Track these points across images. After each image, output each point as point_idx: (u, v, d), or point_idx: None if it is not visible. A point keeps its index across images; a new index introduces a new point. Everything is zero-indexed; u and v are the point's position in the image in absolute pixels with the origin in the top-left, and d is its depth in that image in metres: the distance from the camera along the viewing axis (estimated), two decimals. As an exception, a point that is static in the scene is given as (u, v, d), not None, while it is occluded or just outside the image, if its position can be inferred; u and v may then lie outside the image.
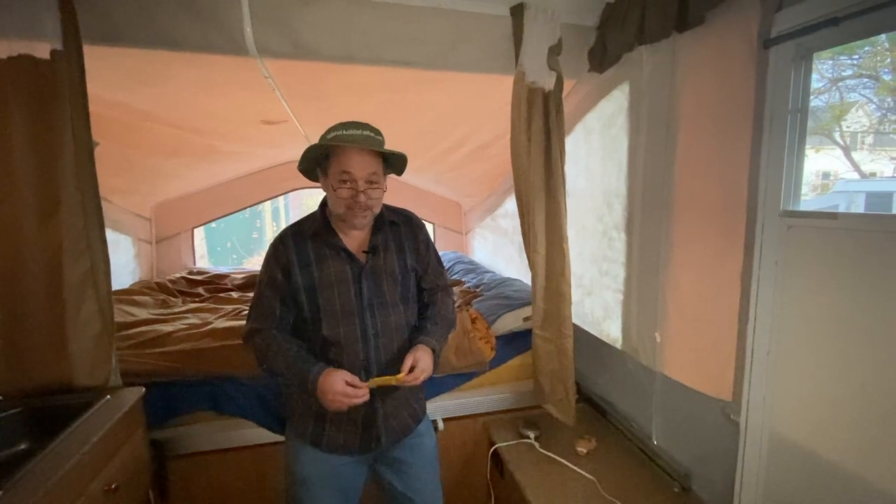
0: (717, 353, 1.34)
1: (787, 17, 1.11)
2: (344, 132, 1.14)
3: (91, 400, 1.27)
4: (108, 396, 1.31)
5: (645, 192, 1.62)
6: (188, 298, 2.86)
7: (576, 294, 1.83)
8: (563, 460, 1.74)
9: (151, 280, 3.10)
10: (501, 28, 1.62)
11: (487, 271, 3.09)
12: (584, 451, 1.79)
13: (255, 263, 4.46)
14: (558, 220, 1.73)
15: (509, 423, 1.99)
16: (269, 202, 4.55)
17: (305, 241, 1.24)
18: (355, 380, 1.15)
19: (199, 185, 3.44)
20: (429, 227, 4.02)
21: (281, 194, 3.92)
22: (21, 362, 1.31)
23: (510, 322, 2.13)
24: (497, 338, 2.08)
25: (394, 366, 1.25)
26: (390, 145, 1.20)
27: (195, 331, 1.97)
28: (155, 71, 1.63)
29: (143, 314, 2.35)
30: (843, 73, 1.74)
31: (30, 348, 1.32)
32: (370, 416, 1.25)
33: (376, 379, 1.19)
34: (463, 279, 3.00)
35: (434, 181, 3.66)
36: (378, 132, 1.18)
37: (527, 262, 1.81)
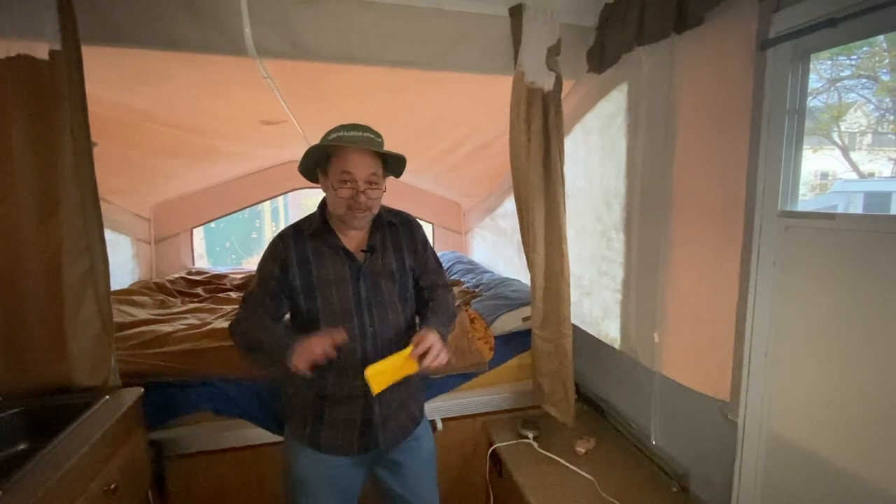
0: (716, 353, 1.35)
1: (785, 17, 1.11)
2: (345, 133, 1.15)
3: (90, 400, 1.28)
4: (107, 397, 1.32)
5: (644, 193, 1.63)
6: (187, 299, 2.86)
7: (575, 294, 1.84)
8: (561, 460, 1.75)
9: (150, 280, 3.09)
10: (501, 28, 1.63)
11: (486, 271, 3.09)
12: (583, 450, 1.79)
13: (254, 263, 4.43)
14: (557, 221, 1.73)
15: (508, 423, 1.99)
16: (268, 202, 4.55)
17: (304, 240, 1.24)
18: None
19: (198, 185, 3.44)
20: (428, 228, 4.05)
21: (280, 194, 3.92)
22: (20, 362, 1.32)
23: (509, 322, 2.13)
24: (496, 338, 2.08)
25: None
26: (390, 145, 1.21)
27: (194, 331, 1.97)
28: (154, 71, 1.63)
29: (142, 314, 2.35)
30: (842, 74, 1.74)
31: (29, 348, 1.32)
32: (368, 418, 1.25)
33: (376, 365, 1.10)
34: (462, 279, 3.01)
35: (433, 181, 3.66)
36: (378, 134, 1.19)
37: (526, 262, 1.81)
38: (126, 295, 2.59)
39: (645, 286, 1.64)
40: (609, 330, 1.89)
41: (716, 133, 1.32)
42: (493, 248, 3.48)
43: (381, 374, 1.11)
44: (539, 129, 1.66)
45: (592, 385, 2.12)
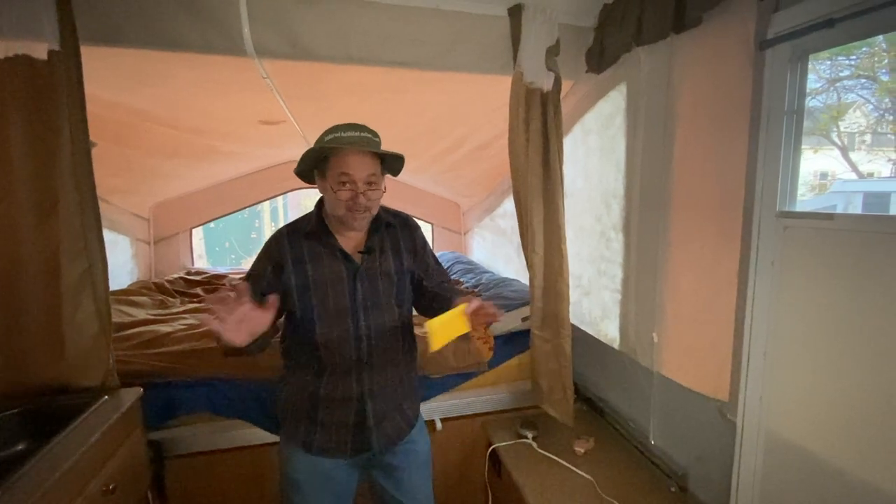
0: (714, 353, 1.35)
1: (784, 18, 1.11)
2: (342, 134, 1.14)
3: (89, 400, 1.27)
4: (106, 397, 1.32)
5: (642, 193, 1.63)
6: (186, 299, 2.86)
7: (574, 294, 1.84)
8: (560, 460, 1.75)
9: (149, 280, 3.09)
10: (500, 29, 1.63)
11: (486, 271, 3.09)
12: (582, 450, 1.79)
13: (253, 263, 4.43)
14: (556, 221, 1.73)
15: (507, 422, 1.99)
16: (267, 202, 4.55)
17: (301, 239, 1.23)
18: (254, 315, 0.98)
19: (197, 185, 3.44)
20: (427, 228, 4.05)
21: (280, 194, 3.93)
22: (18, 363, 1.31)
23: (508, 322, 2.13)
24: (495, 338, 2.08)
25: (387, 367, 1.25)
26: (389, 145, 1.20)
27: (193, 331, 1.96)
28: (154, 71, 1.63)
29: (140, 314, 2.35)
30: (841, 74, 1.74)
31: (27, 349, 1.32)
32: (361, 420, 1.24)
33: (437, 319, 1.05)
34: (461, 279, 3.01)
35: (433, 181, 3.66)
36: (375, 134, 1.18)
37: (525, 262, 1.81)
38: (125, 295, 2.59)
39: (644, 286, 1.64)
40: (608, 330, 1.89)
41: (714, 133, 1.32)
42: (492, 248, 3.48)
43: (442, 328, 1.06)
44: (538, 129, 1.66)
45: (591, 385, 2.12)
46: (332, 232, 1.23)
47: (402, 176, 1.32)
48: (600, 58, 1.70)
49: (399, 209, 1.37)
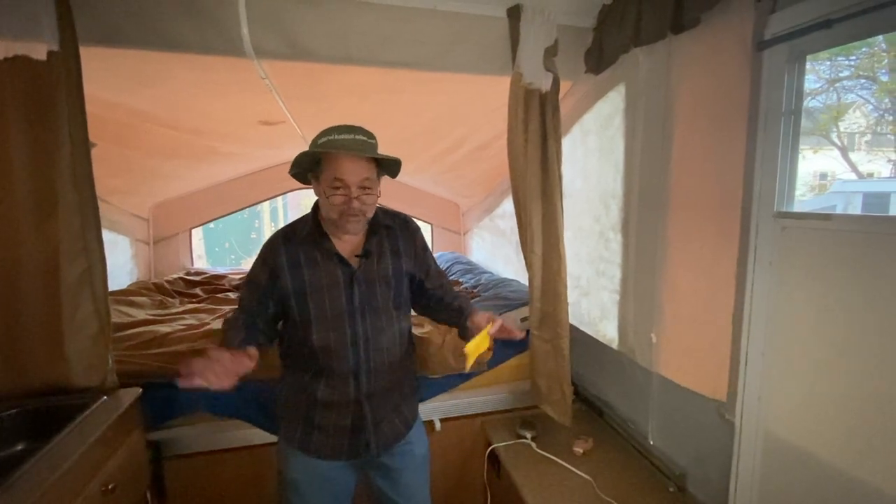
0: (713, 354, 1.35)
1: (781, 19, 1.11)
2: (335, 137, 1.11)
3: (88, 401, 1.28)
4: (105, 397, 1.32)
5: (641, 193, 1.63)
6: (186, 299, 2.86)
7: (572, 295, 1.84)
8: (559, 460, 1.75)
9: (149, 281, 3.09)
10: (498, 29, 1.63)
11: (485, 272, 3.09)
12: (581, 451, 1.79)
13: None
14: (555, 221, 1.73)
15: (506, 423, 1.99)
16: (267, 202, 4.55)
17: (297, 244, 1.22)
18: (241, 361, 1.04)
19: (197, 185, 3.44)
20: (426, 228, 4.05)
21: (279, 194, 3.93)
22: (18, 363, 1.32)
23: (508, 322, 2.13)
24: (494, 339, 2.08)
25: (384, 371, 1.25)
26: (387, 146, 1.19)
27: (193, 331, 1.97)
28: (153, 72, 1.63)
29: (140, 315, 2.35)
30: (841, 74, 1.75)
31: (26, 349, 1.32)
32: (359, 424, 1.24)
33: (472, 342, 1.17)
34: (461, 279, 3.01)
35: (432, 182, 3.66)
36: (371, 135, 1.15)
37: (524, 262, 1.81)
38: (124, 295, 2.59)
39: (642, 286, 1.65)
40: (607, 330, 1.89)
41: (713, 134, 1.32)
42: (491, 248, 3.48)
43: (476, 350, 1.17)
44: (537, 129, 1.66)
45: (590, 385, 2.12)
46: (328, 235, 1.22)
47: (402, 176, 1.32)
48: (599, 58, 1.70)
49: (398, 209, 1.37)
